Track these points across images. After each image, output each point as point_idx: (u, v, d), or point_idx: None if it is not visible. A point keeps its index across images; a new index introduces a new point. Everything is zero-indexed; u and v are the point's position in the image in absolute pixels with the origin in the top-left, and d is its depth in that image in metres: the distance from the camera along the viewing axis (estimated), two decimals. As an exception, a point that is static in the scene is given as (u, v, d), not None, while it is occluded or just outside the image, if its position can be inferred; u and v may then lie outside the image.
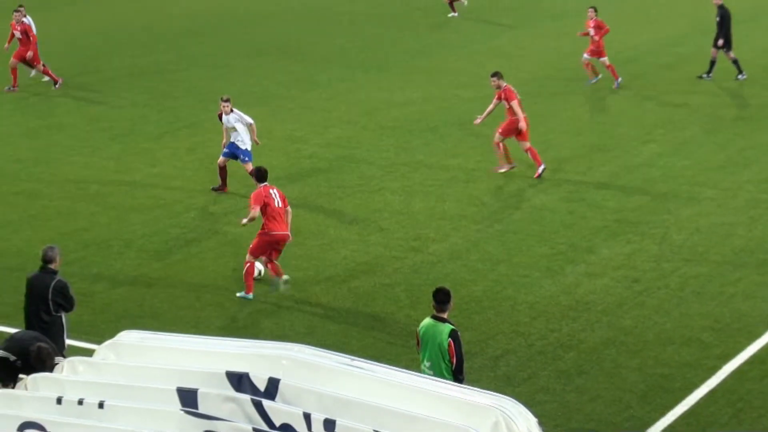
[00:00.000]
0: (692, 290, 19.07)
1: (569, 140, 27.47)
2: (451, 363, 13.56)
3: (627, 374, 16.38)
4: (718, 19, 32.26)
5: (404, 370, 12.04)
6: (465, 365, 13.68)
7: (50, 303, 15.17)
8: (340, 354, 11.98)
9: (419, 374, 12.37)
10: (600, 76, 32.37)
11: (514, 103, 24.44)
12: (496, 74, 24.84)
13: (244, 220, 19.29)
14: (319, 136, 28.10)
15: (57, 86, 32.95)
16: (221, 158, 24.01)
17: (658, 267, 20.00)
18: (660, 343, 17.25)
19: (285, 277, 19.26)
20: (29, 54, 32.86)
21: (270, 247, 19.15)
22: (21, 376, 12.76)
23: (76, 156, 26.77)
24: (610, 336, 17.52)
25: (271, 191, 19.12)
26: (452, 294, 13.83)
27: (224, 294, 19.22)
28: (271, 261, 19.27)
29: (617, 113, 29.87)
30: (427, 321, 13.81)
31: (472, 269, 20.07)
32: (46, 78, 33.44)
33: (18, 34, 32.91)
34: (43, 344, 13.35)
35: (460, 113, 29.81)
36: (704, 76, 32.60)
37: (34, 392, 11.89)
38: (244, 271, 19.09)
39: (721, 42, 32.06)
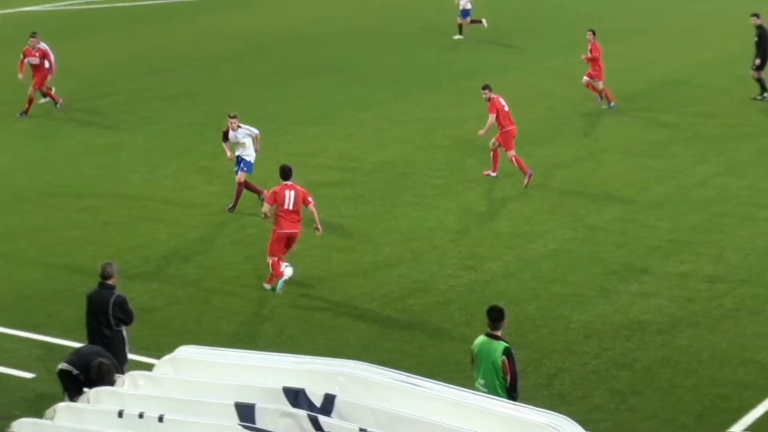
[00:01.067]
0: (748, 310, 18.85)
1: (622, 160, 27.30)
2: (506, 381, 13.50)
3: (682, 394, 16.20)
4: (756, 39, 32.04)
5: (459, 387, 11.99)
6: (519, 383, 13.61)
7: (111, 318, 15.30)
8: (396, 371, 11.95)
9: (474, 392, 12.31)
10: (603, 101, 32.11)
11: (491, 117, 25.35)
12: (486, 87, 25.77)
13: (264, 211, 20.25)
14: (374, 155, 28.13)
15: (60, 105, 32.94)
16: (238, 175, 24.07)
17: (713, 287, 19.79)
18: (715, 363, 17.06)
19: (285, 277, 19.87)
20: (49, 79, 32.71)
21: (281, 244, 19.89)
22: (85, 390, 12.84)
23: (136, 174, 26.99)
24: (664, 355, 17.35)
25: (287, 192, 19.76)
26: (506, 312, 13.77)
27: (281, 310, 19.26)
28: (278, 261, 19.94)
29: (670, 133, 29.64)
30: (482, 339, 13.75)
31: (526, 287, 19.97)
32: (45, 99, 33.22)
33: (35, 60, 32.40)
34: (104, 360, 13.46)
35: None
36: (758, 97, 32.31)
37: (96, 405, 11.97)
38: (271, 268, 19.91)
39: (758, 62, 31.86)
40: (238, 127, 24.11)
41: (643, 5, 49.30)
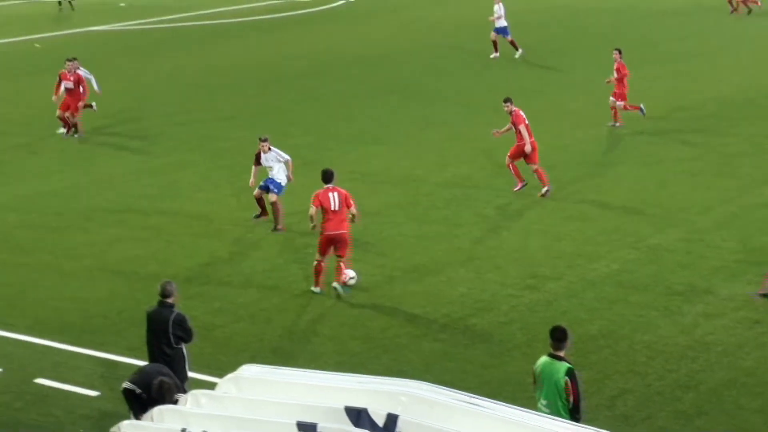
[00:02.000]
0: (816, 332, 18.55)
1: (686, 180, 27.03)
2: (568, 402, 13.38)
3: (748, 416, 15.96)
4: None
5: (521, 408, 11.89)
6: (582, 404, 13.48)
7: (171, 336, 15.37)
8: (458, 391, 11.88)
9: (536, 413, 12.21)
10: (619, 123, 31.99)
11: (522, 128, 25.77)
12: (508, 100, 26.43)
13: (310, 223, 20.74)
14: (436, 174, 28.10)
15: (69, 134, 32.84)
16: (257, 191, 24.55)
17: (779, 308, 19.50)
18: (782, 386, 16.80)
19: (346, 279, 20.38)
20: (80, 103, 32.79)
21: (328, 245, 20.45)
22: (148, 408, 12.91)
23: (199, 192, 27.19)
24: (730, 377, 17.11)
25: (330, 194, 20.34)
26: (569, 332, 13.66)
27: (342, 329, 19.26)
28: (321, 264, 20.52)
29: (735, 153, 29.31)
30: (544, 359, 13.65)
31: (589, 308, 19.81)
32: (61, 130, 33.19)
33: (70, 84, 32.52)
34: (165, 378, 13.51)
35: (576, 152, 29.62)
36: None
37: (159, 424, 12.00)
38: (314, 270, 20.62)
39: None
40: (269, 149, 24.44)
41: (704, 26, 48.92)
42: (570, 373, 13.39)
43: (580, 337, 18.16)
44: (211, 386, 12.90)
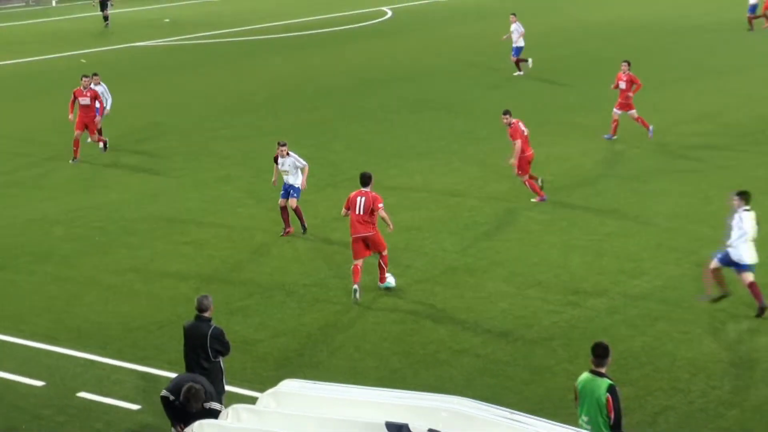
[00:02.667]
0: None
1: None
2: (609, 418, 13.30)
3: (792, 435, 15.80)
4: None
5: (562, 424, 11.84)
6: (623, 421, 13.39)
7: (209, 350, 15.43)
8: (499, 407, 11.85)
9: (577, 429, 12.15)
10: (616, 136, 32.06)
11: (517, 143, 26.32)
12: (506, 112, 26.78)
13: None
14: (479, 189, 28.06)
15: (104, 149, 32.81)
16: (281, 200, 24.97)
17: (824, 325, 19.30)
18: (827, 404, 16.60)
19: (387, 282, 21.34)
20: (97, 119, 32.63)
21: (358, 247, 21.14)
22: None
23: (241, 207, 27.28)
24: (774, 395, 16.95)
25: (358, 198, 21.11)
26: (611, 349, 13.58)
27: (383, 344, 19.24)
28: (357, 265, 21.10)
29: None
30: (585, 375, 13.58)
31: (631, 324, 19.69)
32: (100, 145, 33.17)
33: (86, 101, 32.10)
34: (194, 384, 13.67)
35: (619, 168, 29.48)
36: None
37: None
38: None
39: None
40: (287, 154, 24.90)
41: (736, 43, 48.65)
42: (611, 389, 13.32)
43: (621, 354, 18.06)
44: (252, 401, 12.96)
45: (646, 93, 38.76)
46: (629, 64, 32.37)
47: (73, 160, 32.21)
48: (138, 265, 23.64)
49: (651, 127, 32.13)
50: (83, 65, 49.61)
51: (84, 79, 32.81)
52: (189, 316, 16.06)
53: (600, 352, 13.50)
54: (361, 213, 21.00)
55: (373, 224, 21.15)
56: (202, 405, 13.78)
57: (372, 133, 34.53)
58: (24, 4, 76.81)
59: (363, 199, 21.09)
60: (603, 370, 13.48)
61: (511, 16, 43.70)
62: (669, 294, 20.96)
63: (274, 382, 14.49)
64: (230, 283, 22.33)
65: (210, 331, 15.43)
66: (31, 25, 65.28)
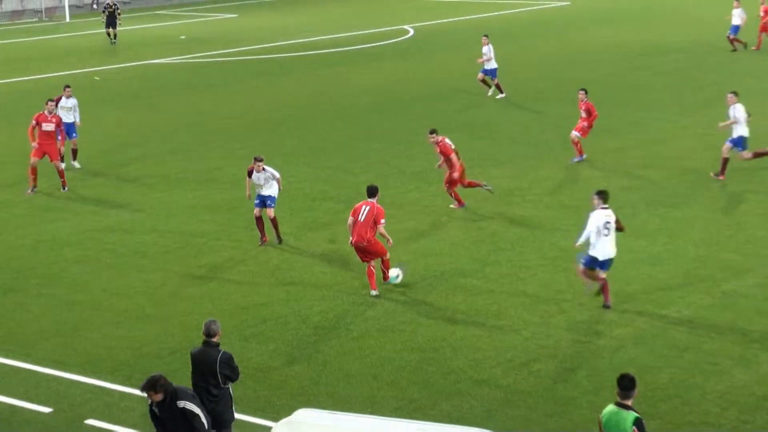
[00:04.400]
0: None
1: (764, 223, 26.71)
2: (635, 453, 13.24)
3: (825, 472, 15.67)
4: None
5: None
6: (650, 456, 13.32)
7: (219, 376, 15.41)
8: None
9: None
10: (585, 156, 32.73)
11: (453, 157, 27.73)
12: (433, 131, 28.13)
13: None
14: (501, 214, 28.01)
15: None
16: (256, 210, 25.92)
17: None
18: None
19: (396, 271, 22.87)
20: (62, 148, 31.83)
21: (358, 253, 22.74)
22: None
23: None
24: (807, 430, 16.82)
25: (363, 207, 22.66)
26: (637, 380, 13.51)
27: (401, 373, 19.18)
28: (369, 268, 22.69)
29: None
30: (610, 408, 13.51)
31: (658, 355, 19.59)
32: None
33: (50, 127, 31.19)
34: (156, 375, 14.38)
35: (647, 192, 29.40)
36: None
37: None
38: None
39: None
40: (263, 169, 25.81)
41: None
42: (637, 422, 13.25)
43: (648, 386, 17.97)
44: (266, 430, 12.92)
45: (679, 115, 38.77)
46: (586, 93, 33.18)
47: (31, 189, 31.20)
48: (149, 288, 23.67)
49: (583, 156, 32.76)
50: (96, 83, 49.86)
51: (49, 103, 31.73)
52: (201, 342, 16.01)
53: (626, 384, 13.43)
54: (362, 221, 22.48)
55: (372, 234, 22.53)
56: (171, 400, 14.20)
57: (392, 154, 34.54)
58: (37, 19, 77.27)
59: (368, 208, 22.62)
60: (629, 403, 13.42)
61: (483, 38, 43.55)
62: (698, 324, 20.86)
63: (288, 412, 14.49)
64: (244, 308, 22.33)
65: (219, 356, 15.41)
66: (44, 41, 65.65)
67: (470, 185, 28.52)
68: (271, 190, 26.00)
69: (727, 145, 30.56)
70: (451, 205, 28.39)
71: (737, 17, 51.50)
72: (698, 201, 28.69)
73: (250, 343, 20.50)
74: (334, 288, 23.33)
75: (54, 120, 31.54)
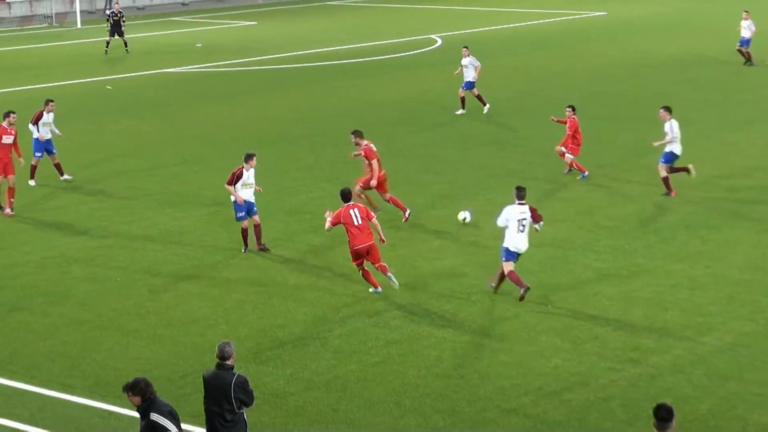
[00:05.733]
0: None
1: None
2: (672, 488, 13.19)
3: None
4: None
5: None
6: (688, 492, 13.26)
7: (233, 400, 15.42)
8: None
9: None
10: (586, 173, 33.00)
11: (374, 162, 28.68)
12: (356, 132, 29.15)
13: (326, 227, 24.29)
14: (532, 234, 27.84)
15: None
16: (244, 223, 26.88)
17: None
18: None
19: (389, 274, 23.76)
20: (22, 161, 31.48)
21: (359, 257, 23.78)
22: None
23: (275, 248, 27.31)
24: None
25: (351, 211, 23.70)
26: (675, 411, 13.45)
27: (425, 401, 19.16)
28: (364, 269, 23.99)
29: None
30: (647, 441, 13.45)
31: (697, 385, 19.50)
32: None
33: (10, 139, 30.93)
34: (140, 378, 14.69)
35: (686, 215, 29.31)
36: None
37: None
38: (363, 276, 24.02)
39: None
40: (252, 166, 26.98)
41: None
42: (675, 456, 13.19)
43: (687, 417, 17.90)
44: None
45: (721, 131, 38.60)
46: (573, 110, 33.38)
47: (9, 209, 30.92)
48: (161, 308, 23.72)
49: (585, 173, 33.09)
50: (108, 91, 50.09)
51: (11, 115, 31.33)
52: (215, 365, 16.02)
53: (663, 415, 13.38)
54: (360, 224, 23.57)
55: (371, 233, 23.75)
56: (146, 410, 14.51)
57: (417, 170, 34.55)
58: (47, 25, 77.68)
59: (356, 210, 23.72)
60: (666, 435, 13.37)
61: (464, 49, 43.42)
62: (740, 352, 20.77)
63: (305, 440, 14.48)
64: (260, 330, 22.34)
65: (234, 380, 15.43)
66: (54, 48, 66.02)
67: (390, 201, 29.15)
68: (252, 189, 26.91)
69: (660, 164, 31.10)
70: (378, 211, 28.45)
71: (746, 29, 51.55)
72: (741, 222, 28.59)
73: (266, 367, 20.51)
74: (355, 308, 23.32)
75: (13, 132, 31.26)
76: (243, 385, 15.52)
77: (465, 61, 42.91)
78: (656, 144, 31.33)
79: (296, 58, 58.88)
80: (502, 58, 57.00)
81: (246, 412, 15.75)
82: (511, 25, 69.88)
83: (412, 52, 58.70)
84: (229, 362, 15.64)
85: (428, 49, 60.99)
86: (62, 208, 31.54)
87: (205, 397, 15.70)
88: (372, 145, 29.17)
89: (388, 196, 29.21)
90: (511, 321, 22.44)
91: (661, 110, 31.36)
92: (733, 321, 22.30)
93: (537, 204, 30.56)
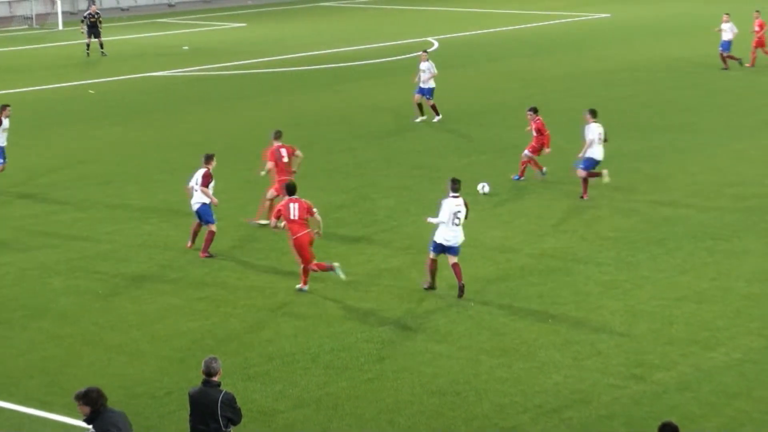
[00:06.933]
0: None
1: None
2: None
3: None
4: None
5: None
6: None
7: (220, 419, 15.44)
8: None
9: None
10: (545, 169, 33.87)
11: (270, 164, 29.55)
12: (277, 134, 30.14)
13: (271, 225, 25.64)
14: (531, 245, 28.02)
15: None
16: (198, 221, 28.08)
17: None
18: None
19: (336, 264, 25.05)
20: None
21: (301, 248, 24.85)
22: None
23: (264, 261, 27.36)
24: None
25: (290, 204, 24.84)
26: (680, 430, 13.47)
27: (420, 418, 19.19)
28: (305, 265, 25.05)
29: None
30: (650, 460, 13.49)
31: (704, 402, 19.54)
32: None
33: None
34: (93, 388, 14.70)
35: (692, 225, 29.35)
36: None
37: None
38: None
39: None
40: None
41: None
42: (679, 477, 13.23)
43: (692, 436, 17.93)
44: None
45: (731, 139, 38.68)
46: (535, 111, 33.72)
47: None
48: (144, 322, 23.73)
49: (543, 170, 33.93)
50: (91, 96, 50.13)
51: None
52: (200, 381, 16.03)
53: (667, 434, 13.42)
54: (296, 218, 24.67)
55: (308, 226, 24.88)
56: (91, 420, 14.67)
57: (413, 179, 34.58)
58: (27, 26, 77.68)
59: (296, 205, 24.76)
60: (670, 455, 13.40)
61: (422, 53, 43.31)
62: (748, 368, 20.81)
63: (294, 459, 14.49)
64: (248, 345, 22.36)
65: (220, 397, 15.45)
66: (34, 51, 66.03)
67: (267, 209, 29.66)
68: (205, 199, 27.76)
69: (579, 169, 31.88)
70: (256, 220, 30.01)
71: (728, 31, 51.68)
72: (750, 233, 28.64)
73: (254, 384, 20.51)
74: (346, 324, 23.34)
75: None
76: (230, 402, 15.53)
77: (424, 65, 42.65)
78: (580, 155, 32.10)
79: (288, 61, 58.93)
80: (502, 61, 57.08)
81: (233, 431, 15.76)
82: (511, 28, 69.97)
83: (407, 56, 58.72)
84: (215, 379, 15.66)
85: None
86: (42, 217, 31.54)
87: (190, 415, 15.71)
88: (284, 150, 29.87)
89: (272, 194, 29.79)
90: (510, 336, 22.46)
91: (586, 113, 32.23)
92: (742, 336, 22.33)
93: (536, 213, 30.70)
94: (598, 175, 31.94)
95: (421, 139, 40.24)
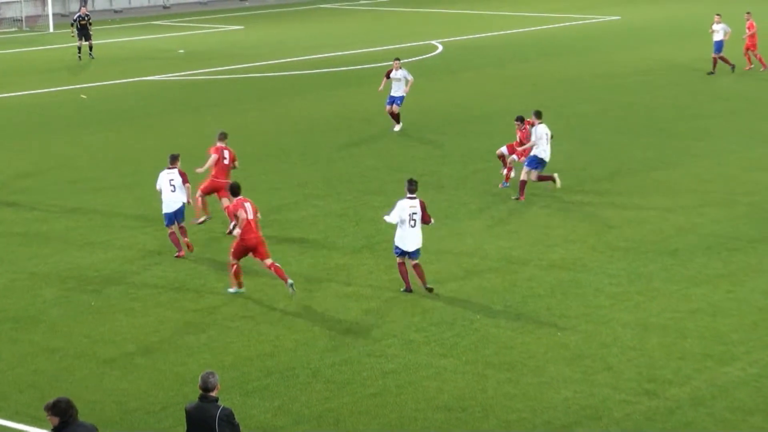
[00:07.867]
0: None
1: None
2: None
3: None
4: None
5: None
6: None
7: None
8: None
9: None
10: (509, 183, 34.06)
11: (213, 158, 30.37)
12: (222, 135, 30.87)
13: (236, 231, 25.53)
14: (540, 256, 27.99)
15: None
16: (173, 227, 28.62)
17: None
18: None
19: (290, 281, 25.12)
20: None
21: (245, 251, 25.35)
22: None
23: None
24: None
25: (245, 204, 25.27)
26: (695, 448, 13.47)
27: (424, 436, 19.16)
28: (238, 266, 25.63)
29: None
30: (664, 479, 13.46)
31: (719, 419, 19.51)
32: None
33: None
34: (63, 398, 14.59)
35: (706, 235, 29.32)
36: None
37: None
38: (231, 272, 25.60)
39: None
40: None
41: None
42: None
43: (707, 454, 17.90)
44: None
45: (745, 146, 38.67)
46: (522, 121, 33.99)
47: None
48: (139, 335, 23.70)
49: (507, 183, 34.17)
50: (83, 101, 50.13)
51: None
52: (197, 396, 16.00)
53: (681, 452, 13.42)
54: (252, 218, 25.18)
55: (259, 229, 25.56)
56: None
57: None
58: (17, 29, 77.71)
59: (249, 204, 25.33)
60: (684, 474, 13.38)
61: (395, 61, 43.04)
62: (765, 384, 20.78)
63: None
64: (246, 358, 22.32)
65: (218, 412, 15.42)
66: (24, 54, 66.08)
67: (202, 205, 30.49)
68: (183, 198, 28.64)
69: (525, 168, 32.76)
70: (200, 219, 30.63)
71: (720, 32, 51.73)
72: (766, 243, 28.62)
73: (252, 399, 20.48)
74: (348, 337, 23.31)
75: None
76: (228, 418, 15.50)
77: (398, 74, 42.42)
78: (520, 149, 33.39)
79: (286, 65, 58.99)
80: (509, 65, 57.10)
81: (231, 450, 15.74)
82: (518, 31, 70.02)
83: (410, 60, 58.73)
84: (212, 393, 15.63)
85: (428, 56, 61.08)
86: (32, 225, 31.52)
87: (187, 431, 15.68)
88: (227, 152, 30.56)
89: (199, 194, 30.35)
90: (517, 350, 22.43)
91: (532, 115, 33.11)
92: (758, 350, 22.30)
93: (544, 222, 30.67)
94: (551, 178, 32.86)
95: (424, 146, 40.21)
